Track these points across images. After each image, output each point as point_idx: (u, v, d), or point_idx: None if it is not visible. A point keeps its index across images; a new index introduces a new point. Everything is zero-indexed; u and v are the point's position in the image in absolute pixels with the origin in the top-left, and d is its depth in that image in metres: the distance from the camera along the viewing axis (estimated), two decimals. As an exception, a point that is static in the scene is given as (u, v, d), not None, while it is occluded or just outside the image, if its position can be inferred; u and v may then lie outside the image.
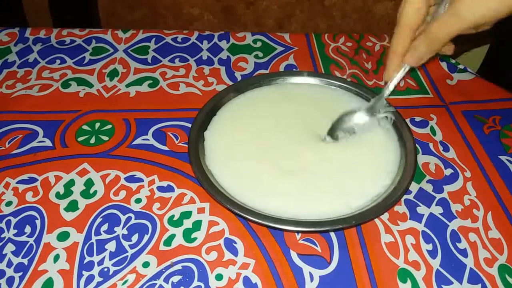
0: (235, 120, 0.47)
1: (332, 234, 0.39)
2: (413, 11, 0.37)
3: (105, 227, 0.39)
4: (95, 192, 0.42)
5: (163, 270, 0.37)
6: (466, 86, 0.55)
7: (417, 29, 0.38)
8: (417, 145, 0.46)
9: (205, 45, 0.60)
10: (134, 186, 0.42)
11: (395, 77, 0.41)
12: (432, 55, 0.38)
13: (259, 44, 0.60)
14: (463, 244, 0.39)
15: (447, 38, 0.36)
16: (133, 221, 0.40)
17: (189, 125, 0.46)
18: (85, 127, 0.48)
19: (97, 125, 0.48)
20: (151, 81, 0.54)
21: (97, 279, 0.36)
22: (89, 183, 0.43)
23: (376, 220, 0.40)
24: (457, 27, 0.35)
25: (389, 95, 0.43)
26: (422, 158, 0.46)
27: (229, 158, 0.43)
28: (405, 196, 0.42)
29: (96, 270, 0.36)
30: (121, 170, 0.44)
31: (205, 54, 0.58)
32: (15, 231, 0.39)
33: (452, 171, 0.45)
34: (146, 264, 0.37)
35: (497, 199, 0.43)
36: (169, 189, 0.42)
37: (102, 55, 0.57)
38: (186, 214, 0.40)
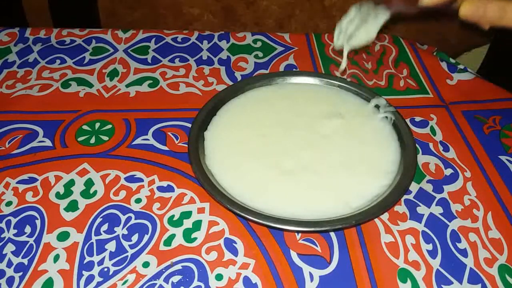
0: (235, 120, 0.47)
1: (332, 234, 0.39)
2: None
3: (105, 227, 0.39)
4: (95, 192, 0.42)
5: (163, 270, 0.37)
6: (466, 86, 0.55)
7: None
8: (417, 145, 0.46)
9: (205, 45, 0.60)
10: (134, 186, 0.42)
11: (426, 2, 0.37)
12: (480, 22, 0.35)
13: (259, 44, 0.60)
14: (463, 244, 0.39)
15: None
16: (133, 221, 0.40)
17: (189, 125, 0.46)
18: (85, 127, 0.48)
19: (97, 125, 0.48)
20: (151, 81, 0.54)
21: (97, 279, 0.36)
22: (89, 183, 0.43)
23: (376, 220, 0.40)
24: None
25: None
26: (422, 158, 0.46)
27: (229, 158, 0.43)
28: (405, 196, 0.42)
29: (96, 270, 0.36)
30: (121, 170, 0.44)
31: (205, 54, 0.58)
32: (15, 231, 0.39)
33: (452, 171, 0.45)
34: (146, 264, 0.37)
35: (497, 199, 0.43)
36: (169, 189, 0.42)
37: (102, 55, 0.57)
38: (186, 214, 0.40)
